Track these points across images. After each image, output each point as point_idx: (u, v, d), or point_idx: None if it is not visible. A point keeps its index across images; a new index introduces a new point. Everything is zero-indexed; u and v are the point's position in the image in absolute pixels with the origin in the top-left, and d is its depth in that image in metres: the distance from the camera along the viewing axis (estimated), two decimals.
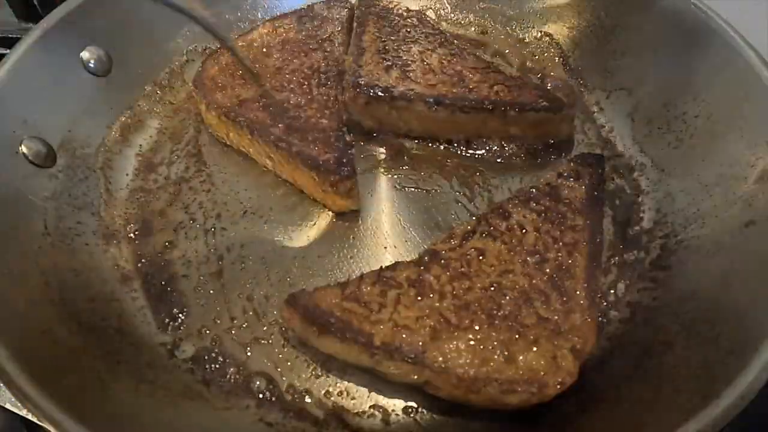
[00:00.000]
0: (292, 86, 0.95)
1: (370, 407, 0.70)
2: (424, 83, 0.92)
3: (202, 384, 0.71)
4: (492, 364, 0.64)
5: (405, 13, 1.07)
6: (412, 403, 0.70)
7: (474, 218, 0.79)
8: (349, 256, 0.83)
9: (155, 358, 0.73)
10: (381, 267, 0.74)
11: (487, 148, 0.95)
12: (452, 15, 1.18)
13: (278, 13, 1.14)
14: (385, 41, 1.00)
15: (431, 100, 0.90)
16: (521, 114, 0.90)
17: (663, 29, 0.96)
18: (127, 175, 0.92)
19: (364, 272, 0.74)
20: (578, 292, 0.70)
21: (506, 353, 0.64)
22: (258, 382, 0.71)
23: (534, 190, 0.81)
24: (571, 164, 0.85)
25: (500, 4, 1.16)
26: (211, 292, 0.79)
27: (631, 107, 0.98)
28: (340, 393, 0.71)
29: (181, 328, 0.76)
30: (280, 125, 0.88)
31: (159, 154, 0.95)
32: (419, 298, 0.69)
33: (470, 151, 0.95)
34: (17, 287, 0.69)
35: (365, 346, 0.65)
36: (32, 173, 0.80)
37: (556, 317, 0.68)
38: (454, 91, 0.91)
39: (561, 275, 0.71)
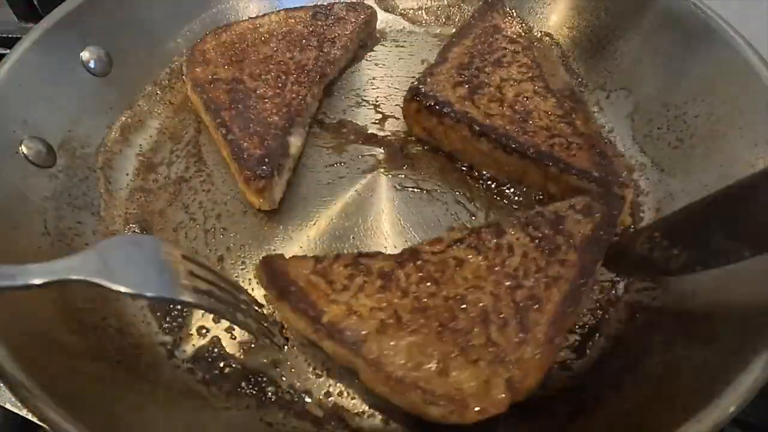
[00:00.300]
0: (268, 78, 0.96)
1: (370, 407, 0.70)
2: (483, 110, 0.88)
3: (202, 384, 0.71)
4: (423, 371, 0.62)
5: (513, 37, 1.01)
6: None
7: (468, 229, 0.77)
8: None
9: (155, 358, 0.73)
10: (360, 252, 0.75)
11: (517, 190, 0.89)
12: (451, 15, 1.18)
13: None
14: (473, 58, 0.97)
15: (477, 128, 0.86)
16: (562, 174, 0.83)
17: (663, 29, 0.97)
18: (127, 175, 0.92)
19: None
20: (539, 327, 0.66)
21: (441, 365, 0.62)
22: (258, 382, 0.71)
23: (538, 215, 0.76)
24: (587, 199, 0.79)
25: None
26: None
27: (631, 107, 0.98)
28: (340, 393, 0.71)
29: (181, 328, 0.76)
30: (232, 111, 0.90)
31: (159, 154, 0.95)
32: (382, 290, 0.69)
33: (500, 187, 0.90)
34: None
35: (312, 320, 0.67)
36: (32, 173, 0.80)
37: (505, 344, 0.64)
38: (507, 128, 0.86)
39: (529, 305, 0.67)
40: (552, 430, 0.66)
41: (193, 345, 0.74)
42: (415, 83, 0.93)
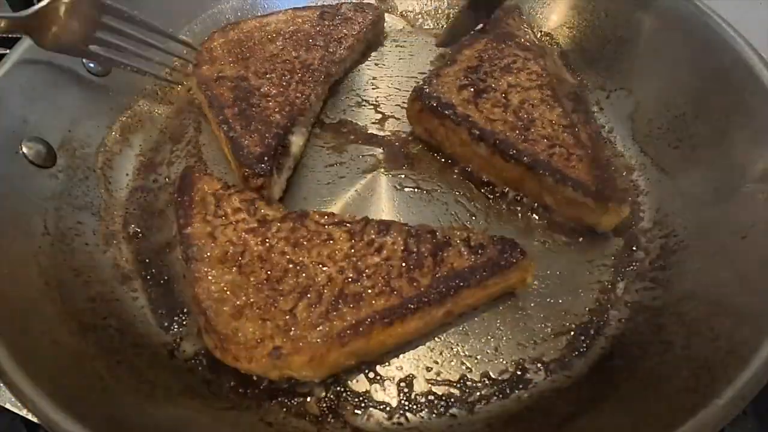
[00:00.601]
0: (273, 76, 0.96)
1: (369, 406, 0.70)
2: (485, 114, 0.87)
3: (202, 384, 0.71)
4: (220, 303, 0.68)
5: (526, 44, 1.00)
6: (412, 403, 0.70)
7: (397, 223, 0.77)
8: None
9: (155, 358, 0.73)
10: (299, 211, 0.79)
11: (516, 197, 0.88)
12: (451, 15, 1.18)
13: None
14: (482, 62, 0.95)
15: (476, 132, 0.85)
16: (557, 185, 0.81)
17: (663, 29, 0.97)
18: (127, 175, 0.92)
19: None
20: (341, 324, 0.66)
21: (239, 309, 0.67)
22: (258, 382, 0.71)
23: (430, 232, 0.75)
24: (486, 237, 0.75)
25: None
26: None
27: (631, 107, 0.98)
28: (340, 392, 0.71)
29: (181, 328, 0.76)
30: (235, 108, 0.90)
31: (159, 154, 0.95)
32: (250, 231, 0.75)
33: (499, 192, 0.89)
34: (17, 287, 0.69)
35: (179, 226, 0.76)
36: (32, 173, 0.80)
37: (300, 320, 0.66)
38: (508, 134, 0.84)
39: (348, 301, 0.68)
40: (552, 429, 0.66)
41: (194, 345, 0.74)
42: (420, 83, 0.93)
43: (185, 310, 0.77)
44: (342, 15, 1.08)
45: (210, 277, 0.70)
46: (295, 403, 0.70)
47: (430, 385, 0.71)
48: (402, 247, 0.73)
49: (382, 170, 0.93)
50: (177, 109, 1.01)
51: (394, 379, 0.72)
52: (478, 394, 0.70)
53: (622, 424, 0.62)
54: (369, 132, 0.98)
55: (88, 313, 0.73)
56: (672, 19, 0.95)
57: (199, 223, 0.75)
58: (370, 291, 0.69)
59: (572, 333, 0.76)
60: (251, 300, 0.68)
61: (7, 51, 0.83)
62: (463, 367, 0.73)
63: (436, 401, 0.70)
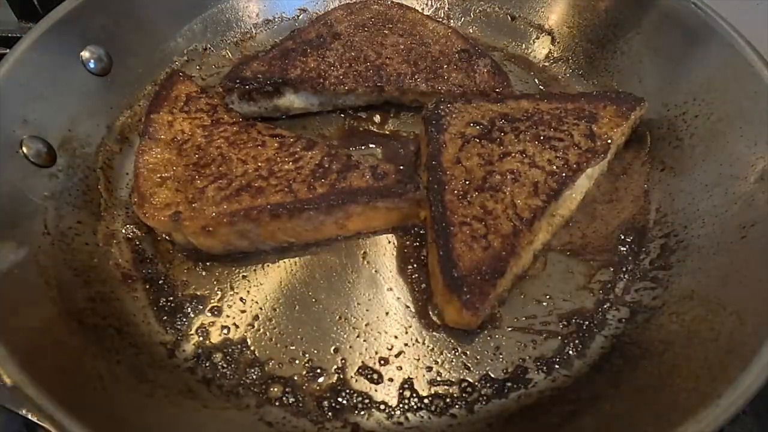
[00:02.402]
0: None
1: (369, 406, 0.70)
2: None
3: (202, 383, 0.71)
4: (153, 174, 0.82)
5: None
6: (412, 403, 0.70)
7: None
8: (348, 254, 0.83)
9: (155, 358, 0.73)
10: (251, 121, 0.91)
11: None
12: (452, 14, 1.18)
13: (277, 13, 1.15)
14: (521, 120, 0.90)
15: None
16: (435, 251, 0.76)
17: (663, 29, 0.97)
18: (127, 174, 0.92)
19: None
20: (236, 206, 0.77)
21: (165, 179, 0.81)
22: (258, 382, 0.71)
23: (347, 156, 0.85)
24: (388, 167, 0.84)
25: (500, 4, 1.16)
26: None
27: None
28: (340, 391, 0.71)
29: (182, 328, 0.76)
30: None
31: None
32: (202, 126, 0.89)
33: None
34: (17, 287, 0.69)
35: (146, 112, 0.91)
36: (32, 173, 0.80)
37: (208, 195, 0.78)
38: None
39: (252, 189, 0.79)
40: (552, 429, 0.66)
41: (193, 345, 0.74)
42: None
43: (185, 310, 0.77)
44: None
45: (152, 152, 0.84)
46: (296, 403, 0.70)
47: (430, 385, 0.71)
48: (317, 162, 0.83)
49: None
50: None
51: (394, 379, 0.72)
52: (477, 394, 0.71)
53: (622, 423, 0.62)
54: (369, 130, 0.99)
55: (88, 313, 0.73)
56: (672, 19, 0.95)
57: (165, 112, 0.89)
58: (272, 188, 0.79)
59: (572, 333, 0.76)
60: (175, 174, 0.82)
61: (7, 51, 0.83)
62: (463, 367, 0.73)
63: (436, 401, 0.70)
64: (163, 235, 0.82)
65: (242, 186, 0.79)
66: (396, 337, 0.75)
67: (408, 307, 0.78)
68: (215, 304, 0.78)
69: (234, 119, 0.91)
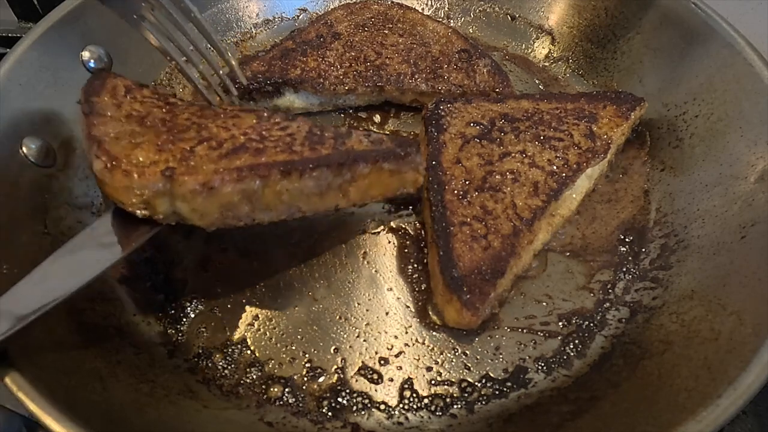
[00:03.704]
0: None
1: (369, 405, 0.70)
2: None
3: (202, 383, 0.71)
4: (112, 139, 0.66)
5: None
6: (412, 403, 0.70)
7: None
8: (348, 254, 0.83)
9: (155, 358, 0.73)
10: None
11: None
12: (452, 14, 1.18)
13: (277, 13, 1.15)
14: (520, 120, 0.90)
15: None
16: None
17: (663, 29, 0.97)
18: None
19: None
20: (227, 165, 0.67)
21: (135, 143, 0.67)
22: (258, 382, 0.71)
23: (324, 130, 0.78)
24: (392, 147, 0.79)
25: (500, 4, 1.16)
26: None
27: None
28: (340, 391, 0.71)
29: (182, 327, 0.76)
30: None
31: None
32: (158, 107, 0.74)
33: None
34: None
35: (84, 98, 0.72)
36: (32, 173, 0.80)
37: (202, 155, 0.67)
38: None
39: (257, 154, 0.70)
40: (552, 429, 0.66)
41: (193, 345, 0.74)
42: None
43: (185, 310, 0.77)
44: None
45: (108, 126, 0.69)
46: (296, 403, 0.70)
47: (430, 385, 0.71)
48: (307, 131, 0.76)
49: None
50: None
51: (394, 379, 0.72)
52: (477, 394, 0.71)
53: (622, 424, 0.62)
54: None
55: (88, 313, 0.73)
56: (672, 19, 0.95)
57: (107, 96, 0.73)
58: (272, 149, 0.71)
59: (572, 333, 0.76)
60: (149, 140, 0.68)
61: (7, 51, 0.83)
62: (463, 367, 0.73)
63: (436, 401, 0.70)
64: (137, 209, 0.65)
65: (237, 147, 0.70)
66: (396, 337, 0.75)
67: (408, 307, 0.78)
68: (215, 303, 0.78)
69: (192, 103, 0.79)
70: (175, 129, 0.70)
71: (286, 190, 0.70)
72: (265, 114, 0.78)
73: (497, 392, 0.71)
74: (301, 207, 0.73)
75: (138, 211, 0.65)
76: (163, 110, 0.74)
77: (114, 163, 0.64)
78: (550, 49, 1.12)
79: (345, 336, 0.75)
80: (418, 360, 0.73)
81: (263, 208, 0.70)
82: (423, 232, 0.85)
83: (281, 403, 0.70)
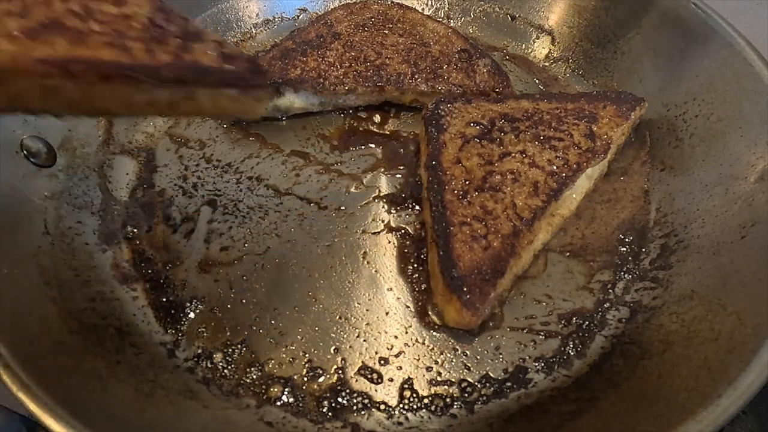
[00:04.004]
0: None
1: (369, 405, 0.70)
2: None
3: (201, 383, 0.71)
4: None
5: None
6: (412, 403, 0.70)
7: None
8: (348, 254, 0.83)
9: (155, 358, 0.73)
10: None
11: None
12: (452, 14, 1.18)
13: (277, 13, 1.15)
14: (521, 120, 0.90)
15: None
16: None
17: (663, 29, 0.97)
18: (127, 174, 0.92)
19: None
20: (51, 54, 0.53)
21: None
22: (258, 382, 0.71)
23: None
24: None
25: (500, 4, 1.16)
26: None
27: None
28: (340, 391, 0.71)
29: (182, 327, 0.76)
30: None
31: None
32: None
33: None
34: (17, 287, 0.69)
35: None
36: (32, 173, 0.80)
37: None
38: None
39: (77, 41, 0.54)
40: (552, 429, 0.66)
41: (193, 345, 0.74)
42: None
43: (185, 310, 0.77)
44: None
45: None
46: (295, 403, 0.70)
47: (430, 385, 0.71)
48: (147, 13, 0.61)
49: (382, 170, 0.93)
50: None
51: (394, 379, 0.72)
52: (477, 394, 0.71)
53: (622, 424, 0.62)
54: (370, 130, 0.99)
55: (88, 313, 0.73)
56: (672, 19, 0.95)
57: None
58: (96, 37, 0.56)
59: (572, 333, 0.76)
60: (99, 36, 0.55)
61: None
62: (463, 367, 0.73)
63: (436, 401, 0.70)
64: None
65: (50, 22, 0.55)
66: (396, 337, 0.75)
67: (408, 307, 0.78)
68: (215, 303, 0.78)
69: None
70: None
71: (103, 95, 0.57)
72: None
73: (497, 392, 0.71)
74: (113, 110, 0.61)
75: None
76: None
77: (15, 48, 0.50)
78: (550, 49, 1.12)
79: (345, 336, 0.75)
80: (418, 360, 0.73)
81: (70, 104, 0.57)
82: (423, 232, 0.85)
83: (281, 403, 0.70)
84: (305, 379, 0.72)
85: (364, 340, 0.75)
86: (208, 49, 0.63)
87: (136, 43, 0.58)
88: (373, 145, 0.97)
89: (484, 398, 0.70)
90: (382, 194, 0.90)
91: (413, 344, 0.74)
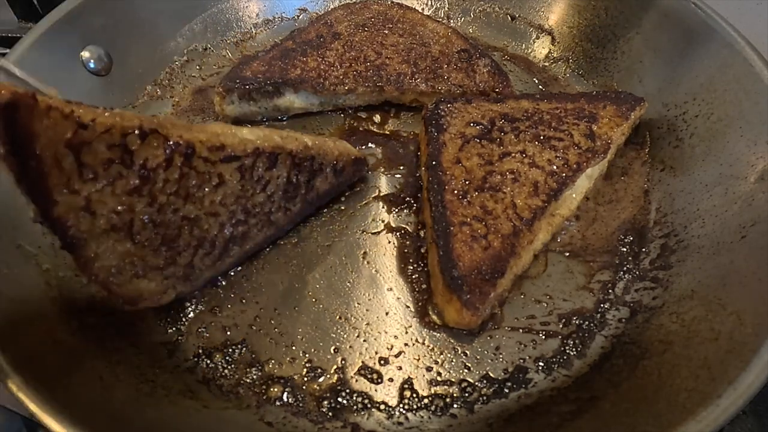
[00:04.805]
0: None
1: (369, 405, 0.70)
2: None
3: (202, 383, 0.71)
4: (122, 276, 0.65)
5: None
6: (412, 403, 0.70)
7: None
8: (348, 254, 0.83)
9: (155, 358, 0.73)
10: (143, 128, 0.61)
11: None
12: (452, 14, 1.18)
13: (277, 13, 1.15)
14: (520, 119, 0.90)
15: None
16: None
17: (663, 29, 0.97)
18: None
19: None
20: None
21: (139, 273, 0.66)
22: (258, 382, 0.71)
23: (307, 160, 0.77)
24: (355, 159, 0.85)
25: (500, 4, 1.16)
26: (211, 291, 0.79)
27: None
28: (340, 391, 0.71)
29: (182, 327, 0.76)
30: None
31: None
32: (133, 192, 0.61)
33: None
34: (17, 287, 0.69)
35: (40, 212, 0.59)
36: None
37: (198, 264, 0.70)
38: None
39: (233, 237, 0.72)
40: (552, 429, 0.66)
41: (193, 345, 0.74)
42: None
43: (185, 310, 0.77)
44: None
45: (103, 254, 0.62)
46: (295, 403, 0.70)
47: (430, 385, 0.71)
48: (285, 180, 0.76)
49: (382, 170, 0.93)
50: (177, 109, 1.01)
51: (394, 379, 0.72)
52: (477, 393, 0.71)
53: (622, 423, 0.62)
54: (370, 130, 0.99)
55: (88, 313, 0.73)
56: (672, 19, 0.95)
57: (64, 196, 0.58)
58: (255, 228, 0.76)
59: (572, 333, 0.76)
60: (152, 263, 0.67)
61: (7, 51, 0.83)
62: (463, 367, 0.73)
63: (436, 401, 0.70)
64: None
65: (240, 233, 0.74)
66: (396, 337, 0.75)
67: (408, 307, 0.78)
68: (215, 304, 0.78)
69: (161, 146, 0.62)
70: (163, 232, 0.65)
71: None
72: (247, 160, 0.69)
73: (497, 392, 0.71)
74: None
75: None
76: (141, 196, 0.62)
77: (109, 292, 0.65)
78: (550, 49, 1.12)
79: (345, 336, 0.75)
80: (418, 360, 0.73)
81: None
82: (423, 232, 0.85)
83: (281, 403, 0.70)
84: (305, 379, 0.72)
85: (364, 340, 0.75)
86: (327, 177, 0.81)
87: (278, 214, 0.78)
88: (373, 145, 0.97)
89: (484, 398, 0.70)
90: (382, 194, 0.90)
91: (413, 344, 0.74)
